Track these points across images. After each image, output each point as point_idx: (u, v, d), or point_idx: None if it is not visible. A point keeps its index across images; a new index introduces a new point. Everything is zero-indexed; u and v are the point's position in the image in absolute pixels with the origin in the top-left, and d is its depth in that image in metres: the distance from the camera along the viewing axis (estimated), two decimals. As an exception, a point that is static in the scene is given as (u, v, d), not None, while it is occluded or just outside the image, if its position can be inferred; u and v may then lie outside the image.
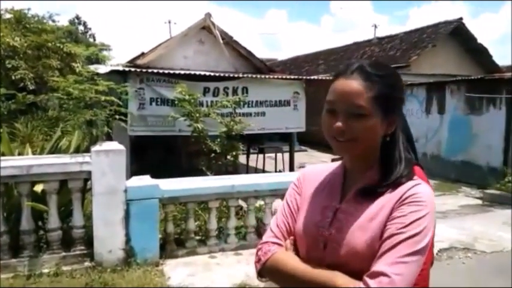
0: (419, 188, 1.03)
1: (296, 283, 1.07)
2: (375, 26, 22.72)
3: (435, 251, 4.87)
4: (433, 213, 1.01)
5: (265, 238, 1.21)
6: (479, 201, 7.78)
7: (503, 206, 7.20)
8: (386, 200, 1.04)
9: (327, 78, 10.10)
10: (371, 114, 1.02)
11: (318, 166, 1.32)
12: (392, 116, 1.07)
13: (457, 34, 13.73)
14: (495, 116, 8.76)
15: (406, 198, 1.01)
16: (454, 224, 5.95)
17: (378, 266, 0.95)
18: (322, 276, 1.02)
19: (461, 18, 13.70)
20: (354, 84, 1.04)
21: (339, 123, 1.03)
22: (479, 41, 13.84)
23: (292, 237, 1.19)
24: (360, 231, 1.03)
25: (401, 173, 1.06)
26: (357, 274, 0.99)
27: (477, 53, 14.03)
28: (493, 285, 3.97)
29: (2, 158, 3.98)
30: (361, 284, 0.95)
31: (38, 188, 3.97)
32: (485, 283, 4.01)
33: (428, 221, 0.98)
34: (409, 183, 1.04)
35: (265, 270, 1.15)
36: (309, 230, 1.14)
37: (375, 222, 1.02)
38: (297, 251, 1.16)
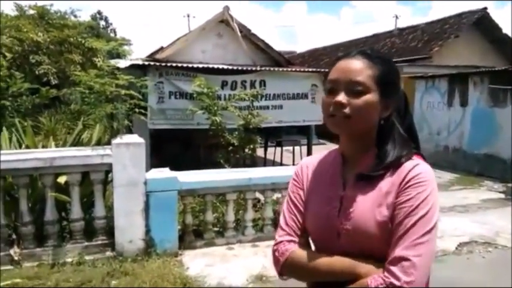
0: (420, 167, 1.06)
1: (319, 276, 1.10)
2: (396, 17, 22.20)
3: (455, 244, 4.81)
4: (435, 188, 1.05)
5: (278, 238, 1.21)
6: (502, 196, 7.60)
7: (527, 200, 7.02)
8: (390, 183, 1.06)
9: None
10: (370, 92, 1.06)
11: (314, 157, 1.33)
12: (389, 99, 1.10)
13: (481, 24, 13.37)
14: (520, 109, 8.52)
15: (409, 180, 1.04)
16: (475, 219, 5.85)
17: (397, 252, 0.97)
18: (344, 265, 1.05)
19: (485, 8, 13.32)
20: (355, 62, 1.09)
21: (340, 97, 1.06)
22: (504, 31, 13.44)
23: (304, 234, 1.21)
24: (368, 217, 1.05)
25: (399, 154, 1.08)
26: (371, 259, 1.03)
27: (502, 43, 13.63)
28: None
29: (27, 150, 4.11)
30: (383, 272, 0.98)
31: (61, 179, 4.09)
32: (505, 277, 3.94)
33: (434, 198, 1.02)
34: (409, 164, 1.07)
35: (286, 270, 1.16)
36: (320, 222, 1.16)
37: (382, 208, 1.05)
38: (310, 246, 1.19)
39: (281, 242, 1.19)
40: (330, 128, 1.12)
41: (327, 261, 1.08)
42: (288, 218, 1.22)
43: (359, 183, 1.11)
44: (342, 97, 1.06)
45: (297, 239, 1.18)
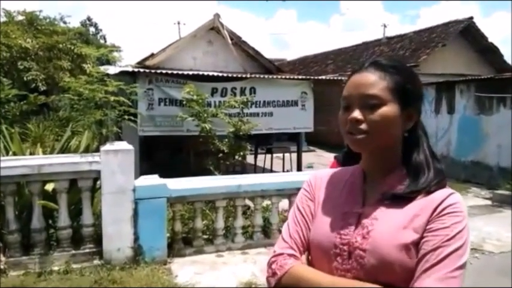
0: (456, 197, 0.99)
1: None
2: (385, 26, 22.51)
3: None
4: (468, 224, 0.98)
5: (278, 249, 1.10)
6: (489, 202, 7.71)
7: (513, 206, 7.12)
8: (419, 207, 0.98)
9: (335, 78, 10.10)
10: (386, 104, 0.99)
11: (331, 170, 1.23)
12: (410, 109, 1.03)
13: (467, 33, 13.62)
14: (505, 116, 8.66)
15: (445, 208, 0.96)
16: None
17: (427, 282, 0.90)
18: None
19: (471, 17, 13.59)
20: (367, 75, 1.03)
21: (354, 113, 1.00)
22: (490, 40, 13.73)
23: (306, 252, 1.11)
24: (388, 239, 0.96)
25: (431, 180, 1.00)
26: (385, 286, 0.94)
27: (488, 52, 13.89)
28: (499, 285, 3.95)
29: (14, 157, 4.06)
30: None
31: (49, 186, 4.05)
32: (491, 283, 3.99)
33: (467, 233, 0.96)
34: (443, 192, 0.99)
35: (282, 286, 1.04)
36: (330, 239, 1.04)
37: (408, 231, 0.96)
38: (310, 264, 1.08)
39: (281, 254, 1.08)
40: (350, 147, 1.05)
41: (335, 281, 0.98)
42: (293, 230, 1.12)
43: (382, 203, 1.02)
44: (357, 113, 1.00)
45: (299, 255, 1.08)
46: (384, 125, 0.99)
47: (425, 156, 1.04)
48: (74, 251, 4.10)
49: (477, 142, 9.25)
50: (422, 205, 0.98)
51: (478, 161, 9.27)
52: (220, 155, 6.17)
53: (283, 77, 9.18)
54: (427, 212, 0.97)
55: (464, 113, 9.69)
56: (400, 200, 1.00)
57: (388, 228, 0.98)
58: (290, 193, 4.78)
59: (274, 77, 8.92)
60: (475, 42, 13.79)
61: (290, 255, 1.07)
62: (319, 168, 10.61)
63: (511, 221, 6.03)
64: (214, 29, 9.74)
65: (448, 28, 14.06)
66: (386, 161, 1.06)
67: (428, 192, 0.99)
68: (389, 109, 0.99)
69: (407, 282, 0.93)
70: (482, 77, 9.87)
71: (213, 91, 7.65)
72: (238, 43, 9.82)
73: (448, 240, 0.93)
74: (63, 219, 4.05)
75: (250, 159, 9.53)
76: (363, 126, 0.99)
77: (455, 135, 9.92)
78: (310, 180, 1.21)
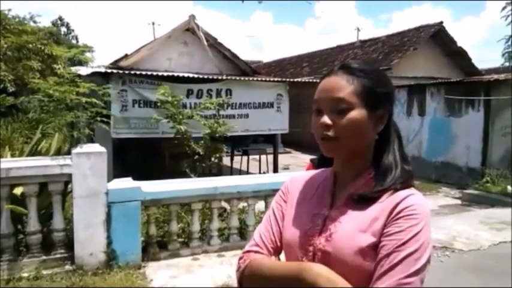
0: (414, 198, 0.98)
1: (275, 282, 1.01)
2: (358, 29, 22.98)
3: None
4: (429, 224, 0.96)
5: (247, 247, 1.14)
6: (459, 201, 7.97)
7: (481, 205, 7.38)
8: (379, 210, 0.98)
9: (310, 80, 10.21)
10: (354, 108, 0.99)
11: (307, 173, 1.25)
12: (379, 112, 1.03)
13: (437, 37, 14.01)
14: (474, 118, 8.98)
15: (401, 210, 0.95)
16: (433, 224, 5.98)
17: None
18: (290, 269, 0.98)
19: (441, 22, 13.99)
20: (336, 79, 1.03)
21: (323, 118, 1.00)
22: (460, 44, 14.18)
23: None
24: (348, 241, 0.98)
25: (396, 180, 1.00)
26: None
27: (457, 56, 14.34)
28: (469, 282, 4.07)
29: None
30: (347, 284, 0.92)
31: (18, 190, 3.92)
32: (461, 281, 4.11)
33: (426, 234, 0.94)
34: (403, 193, 0.98)
35: (244, 278, 1.08)
36: (298, 239, 1.07)
37: (366, 234, 0.97)
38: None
39: (248, 251, 1.12)
40: (322, 151, 1.06)
41: (282, 265, 1.03)
42: (264, 229, 1.16)
43: (348, 205, 1.03)
44: (326, 118, 1.00)
45: (266, 252, 1.11)
46: (352, 129, 0.99)
47: (394, 158, 1.05)
48: (44, 257, 3.97)
49: (447, 143, 9.55)
50: (382, 207, 0.98)
51: (448, 162, 9.57)
52: (196, 157, 6.13)
53: (259, 79, 9.22)
54: (385, 215, 0.97)
55: (435, 115, 9.98)
56: (365, 202, 1.01)
57: (348, 231, 0.99)
58: (266, 194, 4.79)
59: (250, 79, 8.94)
60: (445, 46, 14.21)
61: (256, 251, 1.10)
62: (295, 169, 10.69)
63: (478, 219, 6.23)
64: (189, 30, 9.68)
65: (419, 32, 14.44)
66: (356, 164, 1.06)
67: (392, 193, 0.99)
68: (357, 113, 0.99)
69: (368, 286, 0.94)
70: (452, 80, 10.19)
71: (189, 92, 7.59)
72: (214, 45, 9.79)
73: (402, 244, 0.92)
74: (33, 224, 3.92)
75: (226, 161, 9.52)
76: (332, 132, 1.00)
77: (427, 136, 10.21)
78: (286, 182, 1.24)
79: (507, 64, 8.38)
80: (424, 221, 0.95)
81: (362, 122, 1.00)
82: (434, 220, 6.32)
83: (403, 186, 1.00)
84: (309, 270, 0.94)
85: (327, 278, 0.92)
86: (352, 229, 0.99)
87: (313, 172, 1.23)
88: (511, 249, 4.87)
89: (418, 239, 0.92)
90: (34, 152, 4.62)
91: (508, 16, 8.01)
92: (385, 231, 0.95)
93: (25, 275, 3.81)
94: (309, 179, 1.20)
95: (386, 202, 0.98)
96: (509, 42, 8.17)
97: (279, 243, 1.13)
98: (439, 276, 4.22)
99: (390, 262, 0.91)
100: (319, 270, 0.94)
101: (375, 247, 0.95)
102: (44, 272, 3.87)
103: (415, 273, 0.90)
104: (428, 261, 0.94)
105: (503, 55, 8.33)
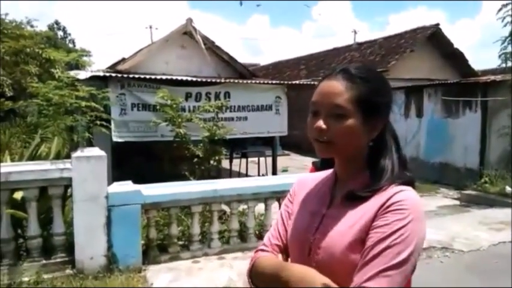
0: (404, 194, 0.99)
1: (265, 280, 1.07)
2: (355, 32, 23.09)
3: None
4: (419, 219, 0.96)
5: (258, 247, 1.21)
6: (457, 202, 7.99)
7: (479, 206, 7.41)
8: (370, 205, 1.00)
9: (308, 83, 10.24)
10: (350, 116, 1.00)
11: (313, 174, 1.29)
12: (375, 120, 1.04)
13: (434, 39, 14.07)
14: (471, 119, 9.02)
15: (391, 205, 0.97)
16: (432, 224, 6.08)
17: (357, 279, 0.92)
18: (272, 267, 1.06)
19: (438, 24, 14.06)
20: (335, 84, 1.03)
21: (319, 123, 1.02)
22: (456, 46, 14.23)
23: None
24: (339, 237, 1.01)
25: (391, 181, 1.02)
26: (339, 280, 0.95)
27: (454, 57, 14.40)
28: (469, 283, 4.08)
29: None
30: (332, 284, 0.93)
31: (18, 195, 3.91)
32: (461, 281, 4.12)
33: (413, 229, 0.94)
34: (395, 189, 1.00)
35: (252, 276, 1.13)
36: (298, 236, 1.13)
37: (354, 228, 0.99)
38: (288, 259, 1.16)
39: (257, 250, 1.19)
40: (315, 152, 1.08)
41: (280, 263, 1.08)
42: (272, 230, 1.22)
43: (345, 203, 1.06)
44: (321, 123, 1.02)
45: (270, 249, 1.16)
46: (345, 136, 1.02)
47: (391, 161, 1.06)
48: (44, 261, 3.97)
49: (445, 144, 9.58)
50: (374, 203, 1.00)
51: (446, 163, 9.59)
52: (195, 160, 6.13)
53: (257, 81, 9.24)
54: (375, 210, 0.99)
55: (433, 116, 10.02)
56: (359, 200, 1.03)
57: (341, 227, 1.02)
58: (266, 197, 4.80)
59: (249, 81, 8.95)
60: (441, 48, 14.27)
61: (262, 250, 1.17)
62: (294, 171, 10.69)
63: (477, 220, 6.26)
64: (187, 33, 9.71)
65: (416, 34, 14.50)
66: (352, 166, 1.09)
67: (384, 190, 1.01)
68: (352, 121, 1.01)
69: None
70: (449, 82, 10.23)
71: (187, 96, 7.60)
72: (212, 48, 9.82)
73: (386, 237, 0.93)
74: (33, 228, 3.92)
75: (225, 164, 9.51)
76: (326, 136, 1.02)
77: (424, 138, 10.24)
78: (294, 184, 1.30)
79: (504, 65, 8.40)
80: (412, 215, 0.95)
81: (357, 129, 1.02)
82: (433, 221, 6.34)
83: (399, 183, 1.02)
84: (285, 270, 1.01)
85: (300, 278, 0.96)
86: (344, 225, 1.02)
87: (318, 173, 1.26)
88: (511, 249, 4.89)
89: (402, 233, 0.93)
90: (34, 156, 4.61)
91: (505, 17, 8.03)
92: (373, 224, 0.97)
93: (25, 279, 3.80)
94: (313, 180, 1.25)
95: (378, 199, 1.00)
96: (506, 43, 8.20)
97: (285, 241, 1.18)
98: (439, 277, 4.24)
99: (371, 253, 0.93)
100: (294, 270, 0.99)
101: (363, 241, 0.97)
102: (45, 276, 3.86)
103: (396, 266, 0.90)
104: (413, 257, 0.93)
105: (499, 56, 8.35)
